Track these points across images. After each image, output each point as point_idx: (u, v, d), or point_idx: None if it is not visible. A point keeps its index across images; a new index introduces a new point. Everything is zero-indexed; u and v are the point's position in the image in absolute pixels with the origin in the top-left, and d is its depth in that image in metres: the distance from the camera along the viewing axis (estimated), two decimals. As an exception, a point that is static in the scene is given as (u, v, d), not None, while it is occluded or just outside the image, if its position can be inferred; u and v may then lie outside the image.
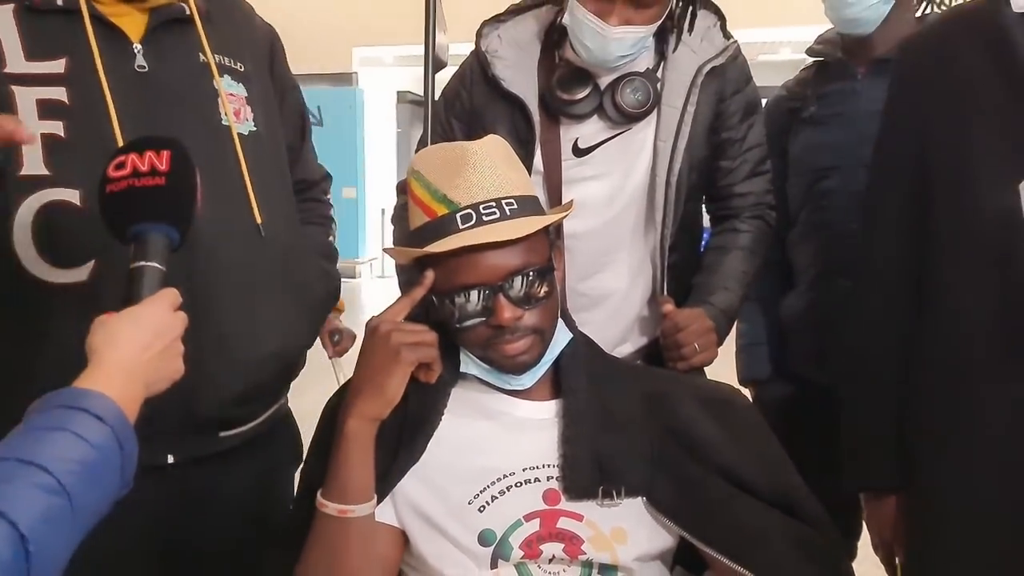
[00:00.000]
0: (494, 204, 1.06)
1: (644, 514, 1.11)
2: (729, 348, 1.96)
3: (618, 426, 1.13)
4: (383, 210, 8.64)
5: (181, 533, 1.21)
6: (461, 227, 1.06)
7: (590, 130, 1.46)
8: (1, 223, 1.09)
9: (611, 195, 1.46)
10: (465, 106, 1.53)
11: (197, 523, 1.22)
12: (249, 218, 1.22)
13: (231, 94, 1.24)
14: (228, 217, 1.20)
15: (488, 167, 1.09)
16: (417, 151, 1.60)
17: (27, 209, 1.09)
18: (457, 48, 1.63)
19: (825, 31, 1.87)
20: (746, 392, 1.89)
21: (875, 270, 1.31)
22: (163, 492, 1.17)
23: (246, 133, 1.25)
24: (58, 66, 1.12)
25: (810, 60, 1.90)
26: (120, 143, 1.09)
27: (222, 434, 1.24)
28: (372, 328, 1.09)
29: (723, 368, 1.90)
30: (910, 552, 1.29)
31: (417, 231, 1.11)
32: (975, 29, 1.18)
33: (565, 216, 1.16)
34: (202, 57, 1.22)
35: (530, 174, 1.40)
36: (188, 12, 1.22)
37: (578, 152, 1.47)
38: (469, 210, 1.06)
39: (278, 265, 1.26)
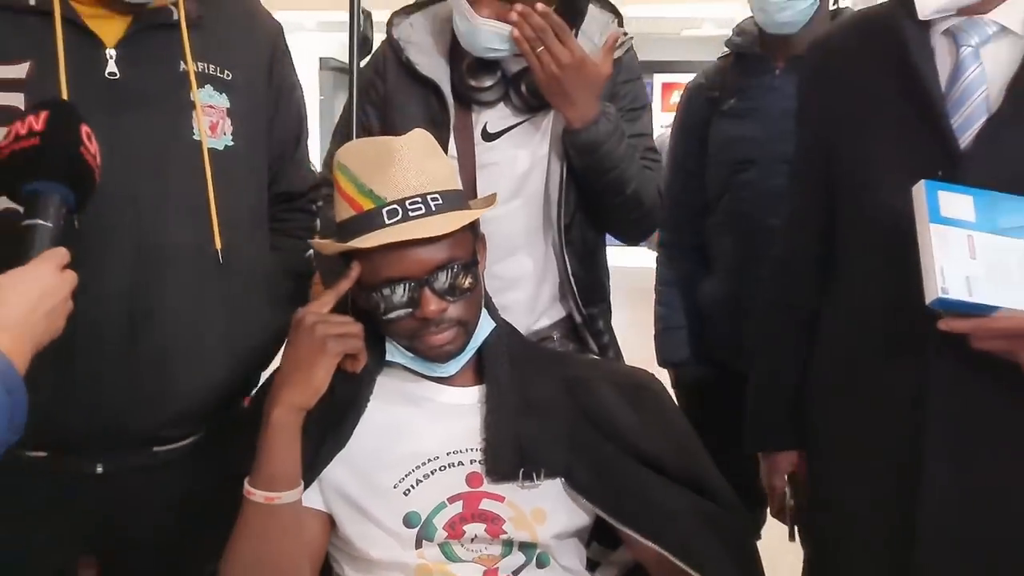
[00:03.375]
0: (419, 199, 1.09)
1: (562, 494, 1.16)
2: (648, 330, 2.05)
3: (538, 411, 1.18)
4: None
5: (116, 532, 1.22)
6: (387, 222, 1.09)
7: (498, 115, 1.51)
8: None
9: (519, 178, 1.51)
10: (380, 92, 1.55)
11: (132, 521, 1.22)
12: (208, 241, 1.18)
13: (210, 106, 1.20)
14: (184, 238, 1.17)
15: (413, 162, 1.12)
16: (338, 129, 1.63)
17: None
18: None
19: (743, 20, 1.93)
20: (665, 374, 1.99)
21: (784, 258, 1.41)
22: (93, 496, 1.18)
23: (220, 148, 1.21)
24: (20, 71, 1.09)
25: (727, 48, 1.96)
26: None
27: (156, 449, 1.22)
28: (298, 320, 1.11)
29: (644, 351, 1.99)
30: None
31: (343, 224, 1.13)
32: (877, 36, 1.24)
33: (488, 210, 1.20)
34: (183, 65, 1.18)
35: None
36: (176, 17, 1.18)
37: (487, 137, 1.51)
38: (395, 205, 1.09)
39: (236, 291, 1.22)
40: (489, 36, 1.40)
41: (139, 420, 1.16)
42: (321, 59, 11.42)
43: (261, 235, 1.32)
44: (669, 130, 2.07)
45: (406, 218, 1.09)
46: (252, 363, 1.31)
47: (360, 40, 1.48)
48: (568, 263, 1.52)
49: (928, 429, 1.14)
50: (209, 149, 1.19)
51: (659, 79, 11.20)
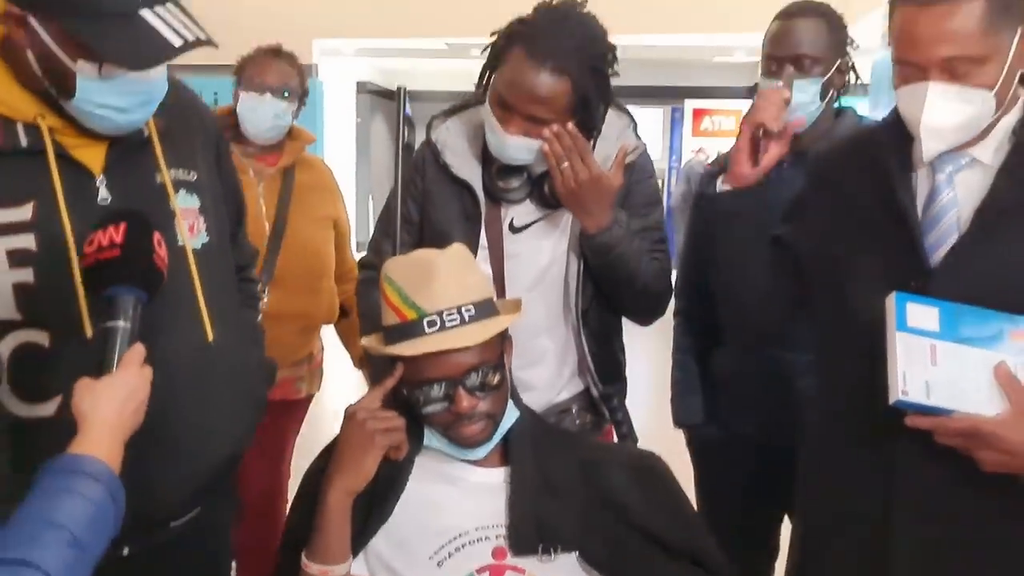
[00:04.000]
0: (455, 311, 1.27)
1: (577, 567, 1.32)
2: (665, 394, 2.19)
3: (556, 492, 1.34)
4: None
5: None
6: (428, 331, 1.26)
7: (523, 211, 1.69)
8: None
9: (542, 267, 1.69)
10: (419, 187, 1.74)
11: None
12: (202, 334, 1.28)
13: (186, 208, 1.29)
14: (183, 333, 1.26)
15: (450, 277, 1.29)
16: (381, 219, 1.80)
17: (3, 349, 1.15)
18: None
19: None
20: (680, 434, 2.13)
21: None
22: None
23: (199, 247, 1.30)
24: (25, 212, 1.14)
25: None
26: (82, 293, 1.15)
27: (173, 524, 1.31)
28: (350, 415, 1.29)
29: (663, 411, 2.13)
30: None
31: (390, 329, 1.31)
32: (867, 159, 1.38)
33: (515, 318, 1.36)
34: (159, 178, 1.26)
35: (476, 248, 1.63)
36: (147, 134, 1.25)
37: (514, 230, 1.70)
38: (434, 316, 1.26)
39: (228, 376, 1.32)
40: (516, 149, 1.57)
41: (163, 504, 1.25)
42: (358, 83, 11.69)
43: (240, 322, 1.43)
44: (697, 155, 2.20)
45: (443, 328, 1.26)
46: (249, 433, 1.42)
47: (404, 147, 1.66)
48: (586, 343, 1.69)
49: (895, 505, 1.29)
50: (192, 250, 1.28)
51: (690, 104, 11.32)
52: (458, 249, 1.36)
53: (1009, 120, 1.28)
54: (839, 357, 1.41)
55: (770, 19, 1.92)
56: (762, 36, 1.93)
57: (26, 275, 1.14)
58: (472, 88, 1.69)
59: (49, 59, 1.11)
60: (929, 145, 1.26)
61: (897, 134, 1.33)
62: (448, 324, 1.26)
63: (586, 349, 1.70)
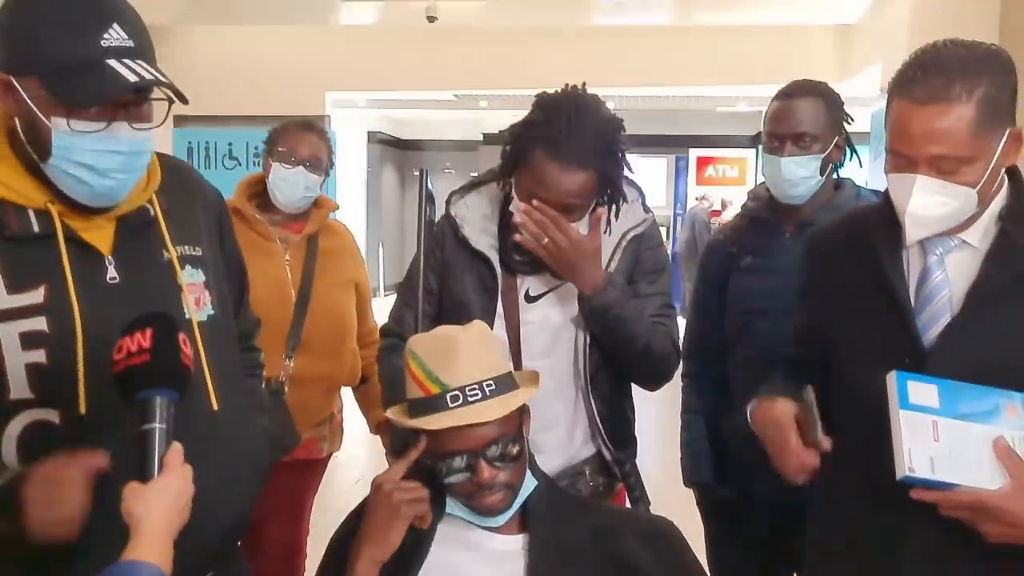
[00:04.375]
0: (477, 386, 1.34)
1: None
2: (675, 451, 2.25)
3: (572, 558, 1.40)
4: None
5: None
6: (450, 406, 1.33)
7: (537, 281, 1.78)
8: None
9: (554, 334, 1.77)
10: (439, 259, 1.83)
11: None
12: (207, 405, 1.30)
13: (192, 283, 1.32)
14: (188, 403, 1.24)
15: (471, 352, 1.36)
16: (403, 286, 1.88)
17: (14, 427, 1.18)
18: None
19: (756, 186, 2.18)
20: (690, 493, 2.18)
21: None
22: None
23: (205, 319, 1.33)
24: (37, 296, 1.17)
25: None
26: (81, 372, 1.17)
27: None
28: (377, 486, 1.36)
29: (674, 468, 2.19)
30: None
31: (413, 403, 1.38)
32: (859, 241, 1.46)
33: (534, 392, 1.44)
34: (165, 255, 1.29)
35: (493, 316, 1.72)
36: (152, 214, 1.29)
37: (529, 299, 1.78)
38: (457, 391, 1.34)
39: (231, 445, 1.34)
40: None
41: (176, 568, 1.26)
42: (369, 133, 11.90)
43: (244, 392, 1.46)
44: (701, 203, 2.22)
45: (465, 403, 1.33)
46: (252, 499, 1.44)
47: (427, 224, 1.74)
48: (595, 407, 1.77)
49: (903, 571, 1.34)
50: (198, 323, 1.30)
51: (694, 153, 11.53)
52: (479, 326, 1.44)
53: (996, 206, 1.36)
54: (846, 432, 1.48)
55: (768, 71, 2.03)
56: (762, 88, 2.03)
57: (39, 356, 1.17)
58: (480, 136, 1.78)
59: (30, 120, 1.16)
60: (912, 232, 1.33)
61: (887, 216, 1.39)
62: (470, 399, 1.33)
63: (596, 412, 1.77)
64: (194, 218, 1.39)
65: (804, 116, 1.94)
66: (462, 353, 1.36)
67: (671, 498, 2.05)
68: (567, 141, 1.60)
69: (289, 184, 2.36)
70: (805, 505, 1.62)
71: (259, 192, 2.41)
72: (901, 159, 1.32)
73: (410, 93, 9.66)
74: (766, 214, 2.06)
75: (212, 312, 1.36)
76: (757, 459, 2.01)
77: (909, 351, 1.34)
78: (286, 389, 2.30)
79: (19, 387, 1.17)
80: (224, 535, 1.37)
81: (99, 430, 1.17)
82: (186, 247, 1.34)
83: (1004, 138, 1.29)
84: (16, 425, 1.18)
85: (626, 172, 1.74)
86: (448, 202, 1.84)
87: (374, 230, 12.17)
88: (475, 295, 1.76)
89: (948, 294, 1.35)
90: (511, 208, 1.71)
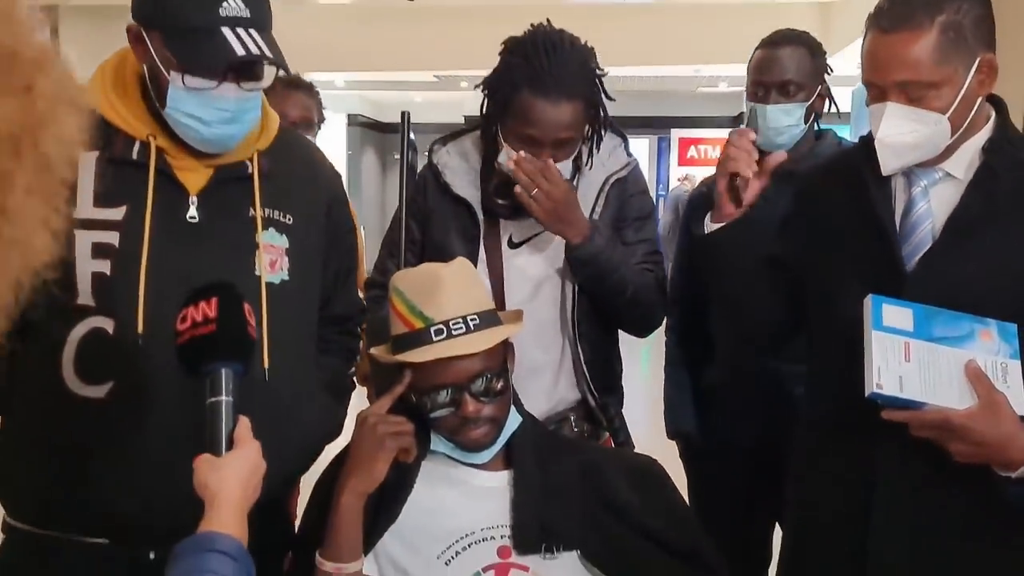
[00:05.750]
0: (461, 320, 1.33)
1: (578, 565, 1.37)
2: (658, 405, 2.26)
3: (558, 493, 1.40)
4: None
5: None
6: (435, 339, 1.33)
7: (521, 228, 1.77)
8: (58, 343, 1.26)
9: (538, 281, 1.77)
10: (421, 208, 1.82)
11: None
12: (257, 362, 1.30)
13: (271, 245, 1.36)
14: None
15: (455, 288, 1.36)
16: (387, 238, 1.88)
17: (76, 332, 1.26)
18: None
19: None
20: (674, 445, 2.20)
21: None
22: None
23: (276, 282, 1.36)
24: (118, 213, 1.27)
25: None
26: (143, 285, 1.25)
27: None
28: (362, 420, 1.35)
29: (658, 424, 2.20)
30: None
31: (397, 338, 1.38)
32: (847, 177, 1.47)
33: (518, 330, 1.43)
34: (251, 211, 1.35)
35: (476, 264, 1.69)
36: (250, 171, 1.35)
37: (512, 245, 1.78)
38: (441, 325, 1.33)
39: (280, 409, 1.34)
40: None
41: (191, 515, 1.22)
42: (349, 115, 11.85)
43: (307, 360, 1.46)
44: (683, 184, 2.23)
45: (450, 336, 1.33)
46: (293, 471, 1.46)
47: (409, 170, 1.74)
48: (582, 353, 1.76)
49: (876, 495, 1.36)
50: (267, 283, 1.34)
51: (676, 134, 11.56)
52: (462, 263, 1.43)
53: (980, 139, 1.38)
54: (825, 364, 1.49)
55: (749, 50, 2.03)
56: (744, 67, 2.03)
57: (104, 266, 1.26)
58: (461, 119, 1.78)
59: (153, 70, 1.28)
60: (886, 161, 1.36)
61: (873, 150, 1.41)
62: (455, 332, 1.33)
63: (583, 359, 1.77)
64: (294, 188, 1.42)
65: (789, 64, 1.94)
66: (446, 288, 1.35)
67: (655, 452, 2.06)
68: (551, 75, 1.60)
69: None
70: (787, 455, 1.63)
71: None
72: (874, 89, 1.35)
73: (390, 74, 9.60)
74: None
75: (287, 278, 1.38)
76: (739, 409, 2.05)
77: (891, 279, 1.36)
78: None
79: (84, 294, 1.25)
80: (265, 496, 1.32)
81: (151, 350, 1.24)
82: (276, 211, 1.38)
83: (974, 66, 1.31)
84: (77, 332, 1.26)
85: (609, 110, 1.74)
86: (431, 151, 1.84)
87: (355, 214, 12.11)
88: (457, 242, 1.76)
89: (931, 224, 1.37)
90: (500, 159, 1.70)
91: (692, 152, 11.60)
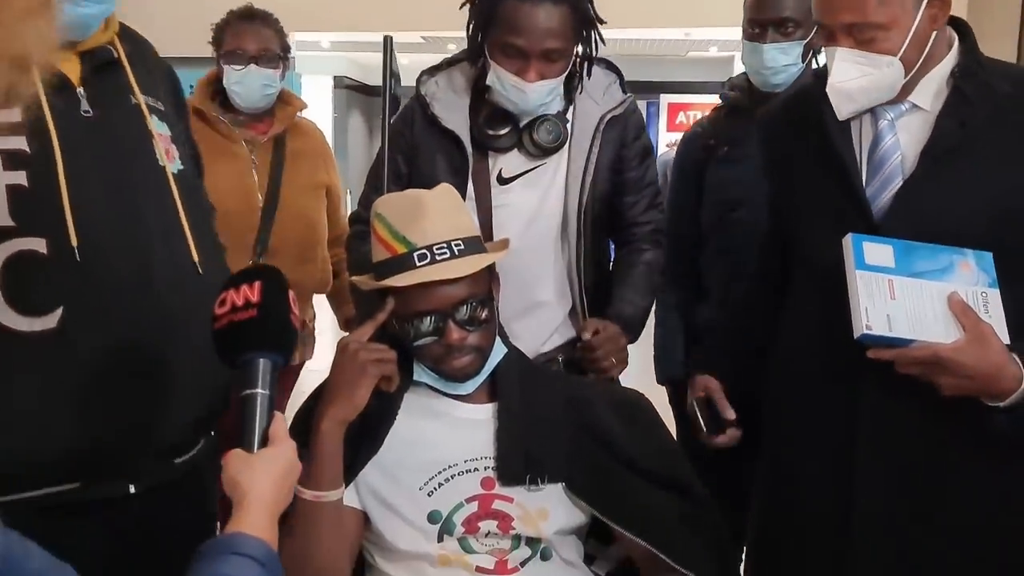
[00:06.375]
0: (445, 245, 1.29)
1: (563, 497, 1.35)
2: (649, 351, 2.23)
3: (542, 425, 1.37)
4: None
5: (138, 563, 1.25)
6: (418, 264, 1.29)
7: (512, 162, 1.72)
8: None
9: (530, 217, 1.73)
10: (408, 141, 1.77)
11: (153, 552, 1.25)
12: (188, 257, 1.27)
13: (160, 134, 1.28)
14: (174, 257, 1.25)
15: (440, 213, 1.32)
16: (371, 173, 1.83)
17: None
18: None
19: (735, 76, 2.13)
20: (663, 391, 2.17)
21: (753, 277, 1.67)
22: (121, 524, 1.23)
23: (176, 172, 1.29)
24: (14, 114, 1.07)
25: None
26: (65, 196, 1.13)
27: (176, 460, 1.30)
28: (342, 346, 1.31)
29: (646, 369, 2.18)
30: None
31: (379, 264, 1.33)
32: (805, 113, 1.44)
33: (503, 255, 1.40)
34: (133, 99, 1.27)
35: (464, 199, 1.65)
36: (116, 55, 1.26)
37: (502, 181, 1.73)
38: (424, 250, 1.29)
39: (214, 299, 1.32)
40: (540, 95, 1.62)
41: (164, 430, 1.21)
42: (335, 78, 11.66)
43: (217, 248, 1.42)
44: (672, 149, 2.22)
45: (433, 261, 1.29)
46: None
47: (392, 100, 1.68)
48: (584, 284, 1.75)
49: (859, 437, 1.35)
50: (171, 173, 1.27)
51: (666, 99, 11.45)
52: (446, 188, 1.39)
53: (946, 66, 1.35)
54: (801, 303, 1.47)
55: (739, 13, 1.98)
56: (734, 31, 1.98)
57: (20, 178, 1.12)
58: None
59: None
60: (840, 106, 1.34)
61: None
62: (438, 257, 1.29)
63: (583, 293, 1.75)
64: (153, 75, 1.34)
65: (787, 0, 1.89)
66: (430, 213, 1.31)
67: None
68: None
69: (244, 86, 2.26)
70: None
71: (221, 90, 2.31)
72: (824, 30, 1.33)
73: (377, 35, 9.46)
74: (745, 103, 2.02)
75: (182, 167, 1.31)
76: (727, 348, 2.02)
77: (859, 217, 1.34)
78: None
79: (0, 213, 1.11)
80: (212, 399, 1.30)
81: (93, 265, 1.12)
82: (150, 98, 1.30)
83: (923, 6, 1.28)
84: None
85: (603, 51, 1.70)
86: (418, 81, 1.78)
87: (341, 178, 11.99)
88: (445, 176, 1.70)
89: (899, 157, 1.35)
90: (488, 80, 1.65)
91: (681, 118, 11.48)
